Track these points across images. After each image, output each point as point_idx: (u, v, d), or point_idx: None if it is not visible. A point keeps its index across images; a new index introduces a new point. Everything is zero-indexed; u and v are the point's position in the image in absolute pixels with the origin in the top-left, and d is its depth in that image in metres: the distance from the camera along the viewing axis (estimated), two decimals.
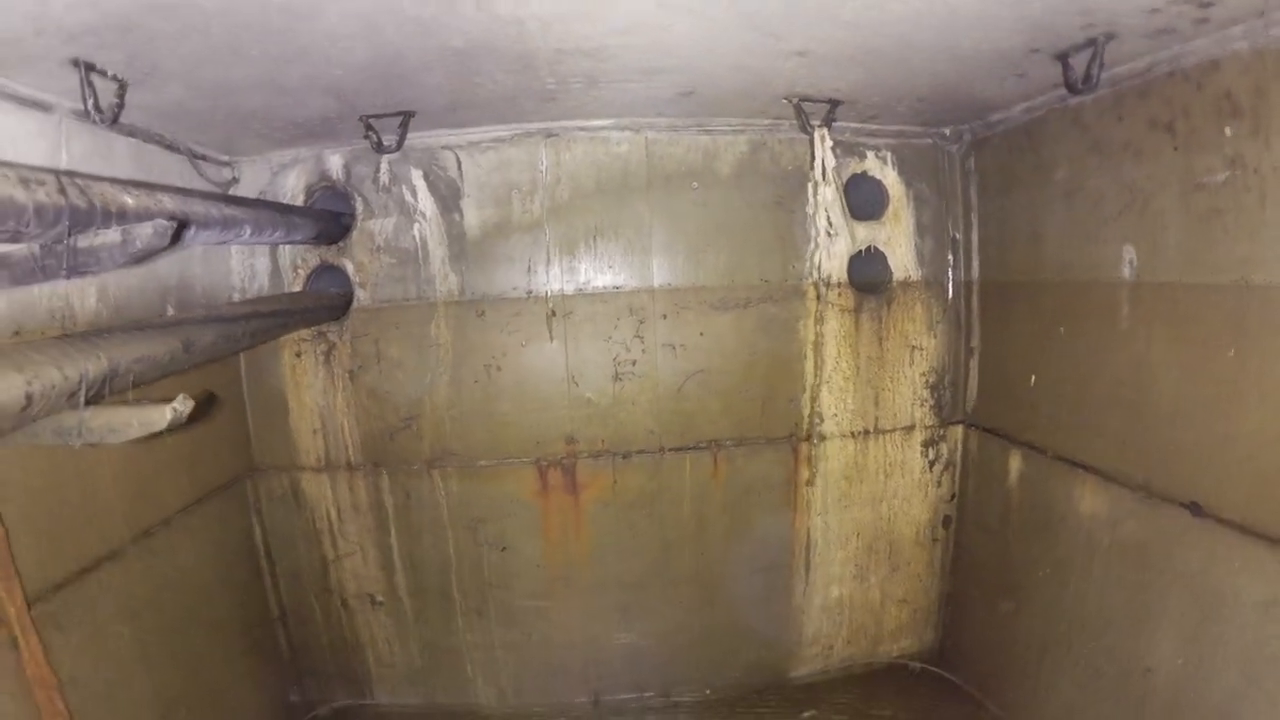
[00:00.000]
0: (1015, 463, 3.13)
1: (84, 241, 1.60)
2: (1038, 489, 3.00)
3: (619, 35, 2.07)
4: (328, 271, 3.31)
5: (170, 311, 2.74)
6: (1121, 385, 2.51)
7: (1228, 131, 2.03)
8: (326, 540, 3.44)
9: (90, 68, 1.89)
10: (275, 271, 3.29)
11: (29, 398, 1.39)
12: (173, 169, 2.76)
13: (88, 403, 1.57)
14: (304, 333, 3.25)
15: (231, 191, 3.16)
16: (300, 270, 3.29)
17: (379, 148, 2.93)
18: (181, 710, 2.59)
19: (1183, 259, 2.23)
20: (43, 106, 2.05)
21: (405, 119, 2.79)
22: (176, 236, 1.83)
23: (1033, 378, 3.01)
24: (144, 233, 1.63)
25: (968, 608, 3.56)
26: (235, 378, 3.30)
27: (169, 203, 1.82)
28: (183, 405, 1.57)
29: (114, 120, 2.08)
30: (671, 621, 3.53)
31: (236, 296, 3.28)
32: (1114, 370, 2.54)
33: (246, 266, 3.28)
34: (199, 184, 2.90)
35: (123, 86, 2.03)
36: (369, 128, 2.81)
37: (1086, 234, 2.63)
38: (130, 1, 1.58)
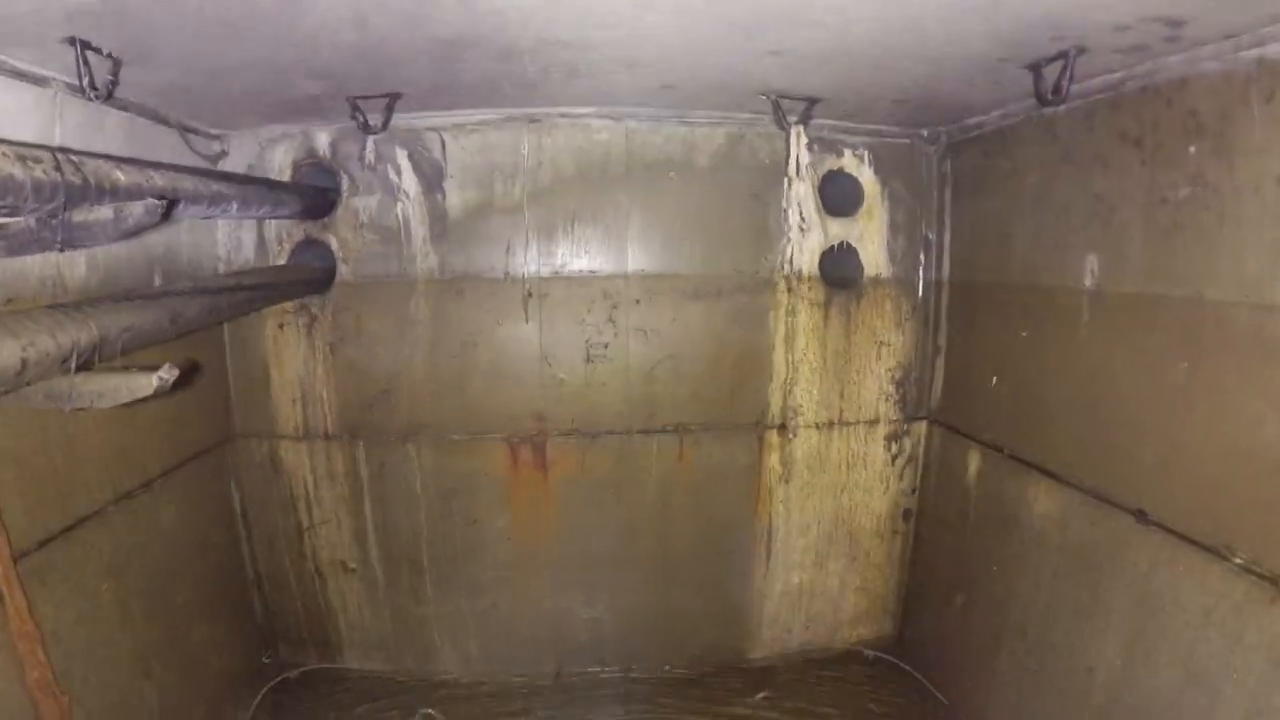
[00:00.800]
0: (974, 460, 3.20)
1: (78, 216, 1.67)
2: (994, 487, 3.06)
3: (597, 28, 2.11)
4: (312, 246, 3.36)
5: (157, 280, 2.79)
6: (1079, 390, 2.55)
7: (1192, 150, 2.06)
8: (302, 507, 3.51)
9: (86, 46, 1.92)
10: (260, 244, 3.34)
11: (24, 363, 1.48)
12: (163, 142, 2.79)
13: (78, 369, 1.65)
14: (287, 305, 3.31)
15: (220, 164, 3.20)
16: (285, 244, 3.34)
17: (365, 128, 2.97)
18: (158, 667, 2.65)
19: (1143, 270, 2.26)
20: (38, 81, 2.06)
21: (391, 100, 2.83)
22: (166, 214, 1.90)
23: (994, 378, 3.06)
24: (135, 210, 1.70)
25: (924, 599, 3.64)
26: (219, 346, 3.35)
27: (159, 179, 1.86)
28: (168, 374, 1.66)
29: (108, 96, 2.12)
30: (634, 599, 3.62)
31: (221, 267, 3.32)
32: (1073, 375, 2.58)
33: (233, 238, 3.33)
34: (189, 157, 2.94)
35: (117, 65, 2.05)
36: (356, 108, 2.85)
37: (1053, 241, 2.67)
38: None
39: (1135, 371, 2.31)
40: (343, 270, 3.31)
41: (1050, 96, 2.26)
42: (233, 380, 3.42)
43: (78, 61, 1.94)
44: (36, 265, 2.12)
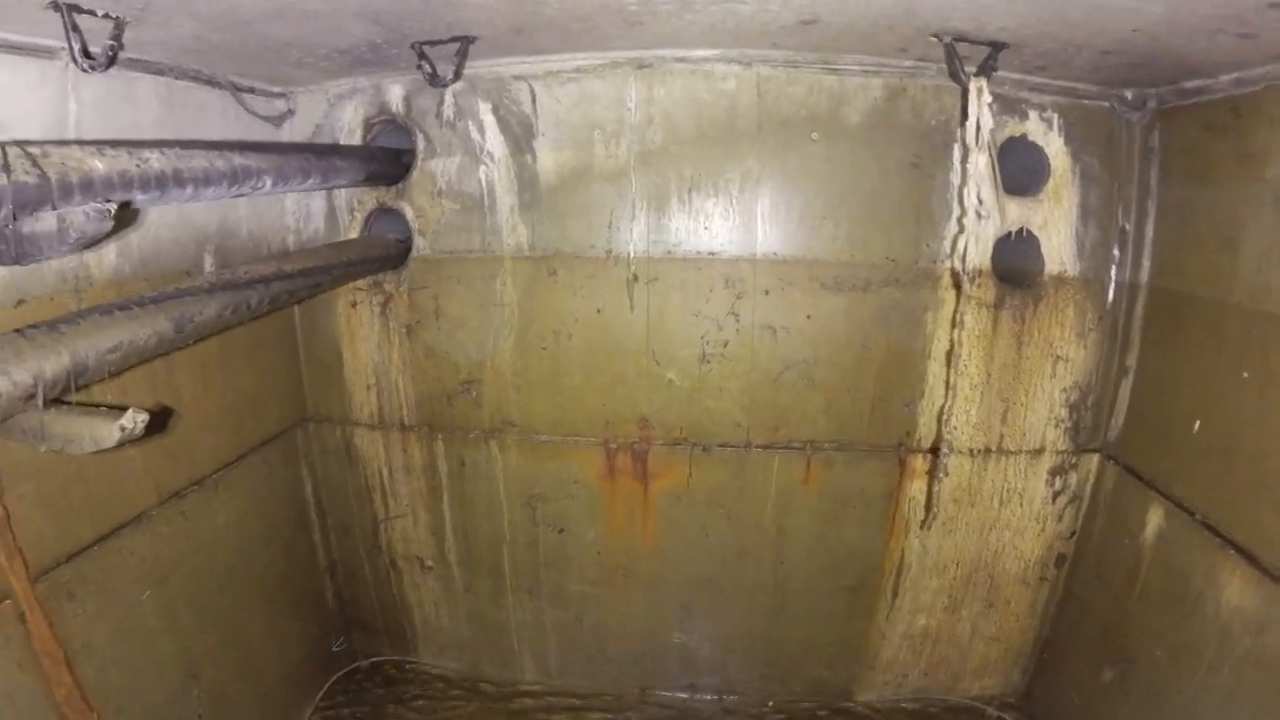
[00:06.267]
0: (1155, 515, 2.44)
1: (28, 226, 1.29)
2: (1176, 553, 2.33)
3: None
4: (386, 215, 2.81)
5: (209, 262, 2.40)
6: None
7: None
8: (378, 498, 3.10)
9: (74, 9, 1.57)
10: (331, 213, 2.82)
11: None
12: (212, 105, 2.35)
13: (52, 402, 1.34)
14: (360, 281, 2.78)
15: (285, 124, 2.74)
16: (357, 213, 2.81)
17: (434, 79, 2.35)
18: (209, 668, 2.40)
19: None
20: (43, 53, 1.70)
21: (463, 45, 2.20)
22: (124, 214, 1.50)
23: (1198, 422, 2.27)
24: (76, 219, 1.33)
25: (1065, 662, 2.91)
26: (288, 324, 2.94)
27: (156, 161, 1.48)
28: (132, 422, 1.33)
29: (109, 64, 1.73)
30: (736, 627, 3.04)
31: (291, 240, 2.86)
32: None
33: (302, 208, 2.84)
34: (244, 120, 2.49)
35: (119, 25, 1.68)
36: (422, 55, 2.24)
37: None
38: None
39: None
40: (419, 243, 2.75)
41: None
42: (304, 360, 2.99)
43: (65, 28, 1.58)
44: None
